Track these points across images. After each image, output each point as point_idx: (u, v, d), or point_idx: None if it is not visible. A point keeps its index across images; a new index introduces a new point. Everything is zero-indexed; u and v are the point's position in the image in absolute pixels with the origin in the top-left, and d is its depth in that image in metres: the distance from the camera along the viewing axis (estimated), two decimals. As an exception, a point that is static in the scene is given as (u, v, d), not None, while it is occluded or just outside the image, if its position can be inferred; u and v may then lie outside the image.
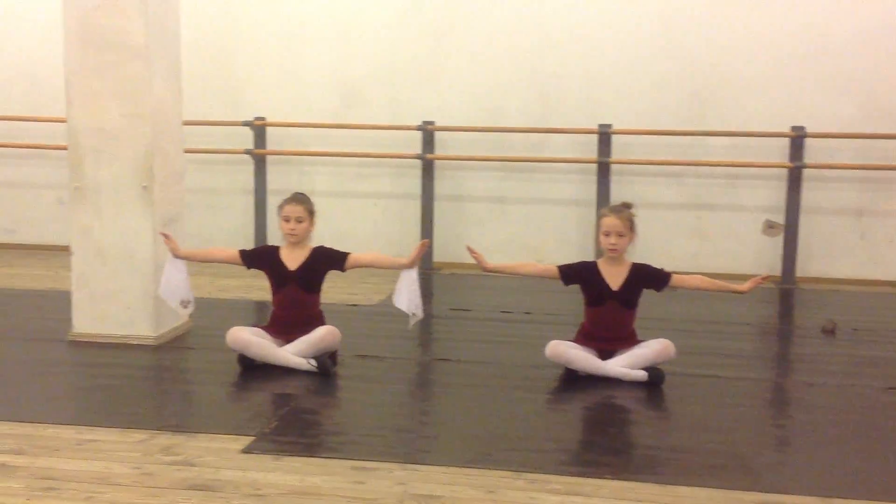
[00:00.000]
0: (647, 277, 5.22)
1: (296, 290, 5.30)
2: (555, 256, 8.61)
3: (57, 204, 9.18)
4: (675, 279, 5.22)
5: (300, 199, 5.39)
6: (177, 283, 5.36)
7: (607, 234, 5.13)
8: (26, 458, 3.84)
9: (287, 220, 5.32)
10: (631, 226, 5.14)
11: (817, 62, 8.31)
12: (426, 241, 5.47)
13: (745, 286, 5.19)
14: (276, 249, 5.42)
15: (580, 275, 5.25)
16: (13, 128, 9.22)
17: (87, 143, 5.66)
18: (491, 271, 5.25)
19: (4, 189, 9.46)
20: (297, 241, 5.33)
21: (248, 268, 5.46)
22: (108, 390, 4.87)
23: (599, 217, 5.27)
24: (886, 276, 8.36)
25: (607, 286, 5.14)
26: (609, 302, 5.14)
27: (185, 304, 5.40)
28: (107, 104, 5.62)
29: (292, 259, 5.33)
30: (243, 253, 5.45)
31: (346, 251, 5.41)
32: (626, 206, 5.23)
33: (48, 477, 3.65)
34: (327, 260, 5.36)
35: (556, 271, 5.25)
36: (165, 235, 5.36)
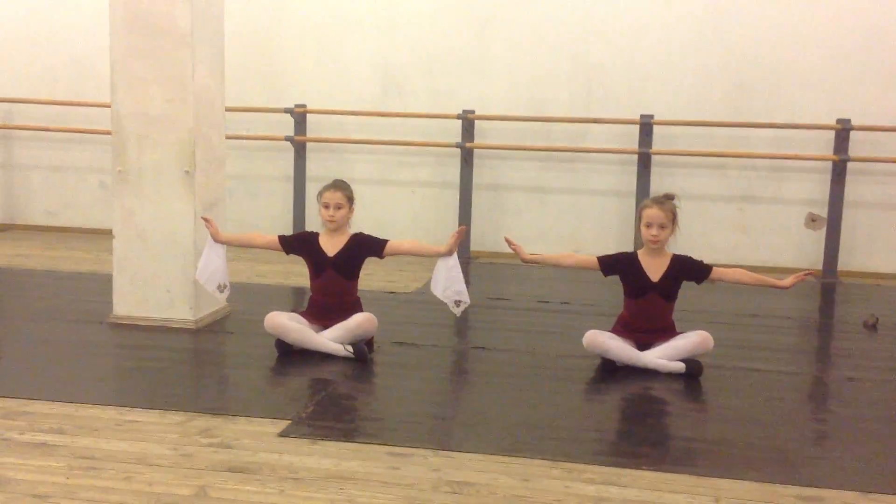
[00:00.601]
0: (688, 269, 5.18)
1: (334, 276, 5.32)
2: (594, 247, 8.59)
3: (100, 188, 9.30)
4: (715, 272, 5.17)
5: (339, 185, 5.41)
6: (215, 267, 5.40)
7: (649, 226, 5.08)
8: (67, 438, 3.89)
9: (326, 206, 5.34)
10: (673, 217, 5.09)
11: (864, 54, 8.19)
12: (464, 227, 5.47)
13: (786, 282, 5.13)
14: (315, 235, 5.44)
15: (620, 266, 5.22)
16: (59, 112, 9.34)
17: (131, 127, 5.71)
18: (529, 262, 5.24)
19: (49, 172, 9.59)
20: (336, 227, 5.35)
21: (288, 253, 5.48)
22: (148, 372, 4.92)
23: (641, 208, 5.22)
24: (931, 271, 8.25)
25: (647, 278, 5.11)
26: (649, 294, 5.10)
27: (221, 288, 5.43)
28: (151, 90, 5.66)
29: (331, 245, 5.35)
30: (283, 239, 5.47)
31: (385, 238, 5.41)
32: (669, 197, 5.18)
33: (88, 456, 3.70)
34: (366, 246, 5.38)
35: (595, 262, 5.22)
36: (206, 220, 5.40)
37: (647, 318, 5.12)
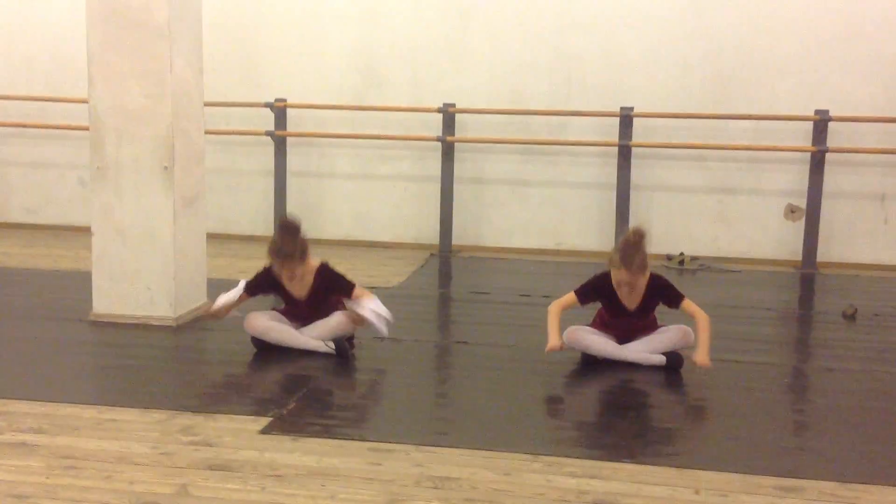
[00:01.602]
0: (663, 295, 5.06)
1: (308, 310, 5.22)
2: (575, 240, 8.63)
3: (78, 184, 9.24)
4: (684, 305, 4.99)
5: (286, 254, 4.99)
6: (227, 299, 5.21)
7: (618, 286, 4.92)
8: (46, 437, 3.87)
9: (287, 275, 5.07)
10: (644, 267, 4.86)
11: (842, 45, 8.23)
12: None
13: (699, 358, 4.84)
14: (276, 280, 5.16)
15: (596, 293, 5.07)
16: (35, 108, 9.27)
17: (109, 122, 5.68)
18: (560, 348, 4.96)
19: (26, 169, 9.52)
20: (301, 286, 5.16)
21: (253, 296, 5.28)
22: (128, 370, 4.89)
23: (610, 264, 4.93)
24: (909, 261, 8.30)
25: (624, 308, 5.02)
26: (625, 317, 5.08)
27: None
28: (128, 84, 5.62)
29: (298, 287, 5.16)
30: (247, 287, 5.24)
31: (351, 282, 5.20)
32: (638, 236, 4.84)
33: (68, 456, 3.68)
34: (335, 288, 5.19)
35: (573, 300, 5.04)
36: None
37: (625, 330, 5.10)
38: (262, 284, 5.28)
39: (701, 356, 4.83)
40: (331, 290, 5.21)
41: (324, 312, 5.21)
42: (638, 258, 4.81)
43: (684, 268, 7.99)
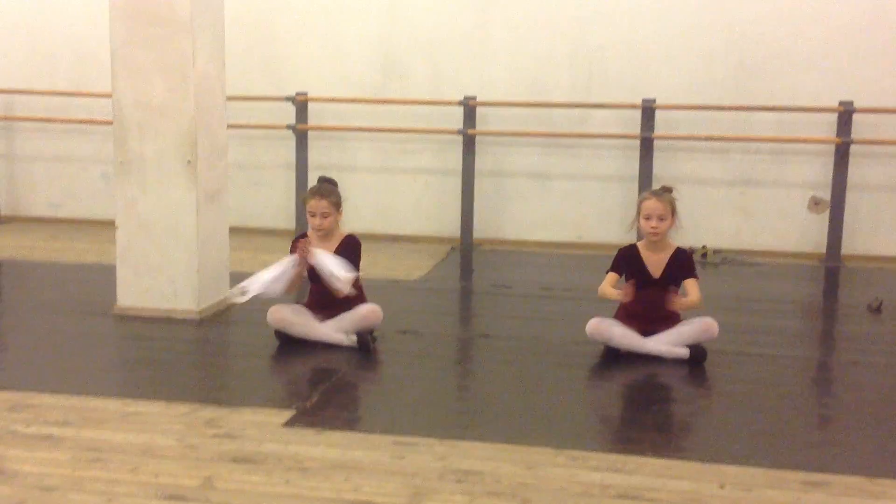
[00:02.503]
0: (683, 265, 5.13)
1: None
2: (597, 233, 8.60)
3: (102, 178, 9.29)
4: (690, 281, 5.08)
5: (324, 192, 5.19)
6: (269, 279, 5.08)
7: (648, 218, 5.05)
8: (72, 430, 3.89)
9: (312, 215, 5.20)
10: (672, 209, 5.07)
11: (866, 36, 8.15)
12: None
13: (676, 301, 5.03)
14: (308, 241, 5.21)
15: (624, 263, 5.17)
16: (59, 103, 9.32)
17: (132, 117, 5.70)
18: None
19: (50, 164, 9.58)
20: (324, 234, 5.25)
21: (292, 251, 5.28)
22: (153, 363, 4.92)
23: (640, 201, 5.20)
24: (935, 253, 8.23)
25: (649, 274, 5.08)
26: (650, 288, 5.08)
27: (243, 291, 5.11)
28: (152, 79, 5.64)
29: (324, 248, 5.19)
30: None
31: (357, 270, 5.19)
32: (667, 189, 5.16)
33: (93, 448, 3.70)
34: (353, 256, 5.22)
35: (612, 276, 5.14)
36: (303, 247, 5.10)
37: (650, 307, 5.10)
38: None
39: (677, 302, 4.99)
40: (352, 258, 5.18)
41: (348, 303, 5.21)
42: (664, 192, 5.11)
43: (707, 261, 7.95)
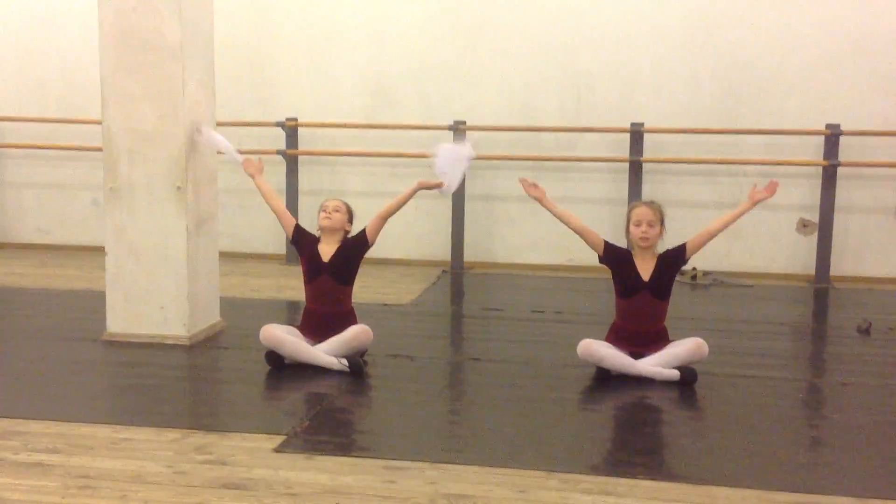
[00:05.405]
0: (670, 258, 5.24)
1: (328, 281, 5.34)
2: (587, 256, 8.55)
3: (92, 204, 9.28)
4: (690, 245, 5.24)
5: (340, 200, 5.62)
6: (224, 143, 5.80)
7: (638, 224, 5.13)
8: (61, 457, 3.88)
9: (325, 210, 5.45)
10: (661, 218, 5.17)
11: (853, 60, 8.23)
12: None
13: (753, 199, 5.37)
14: (316, 240, 5.49)
15: (618, 257, 5.25)
16: (49, 129, 9.33)
17: (122, 143, 5.71)
18: (539, 200, 5.45)
19: (40, 190, 9.57)
20: (330, 226, 5.40)
21: (292, 242, 5.57)
22: (142, 390, 4.91)
23: (630, 209, 5.30)
24: (923, 275, 8.27)
25: (639, 276, 5.14)
26: (641, 292, 5.12)
27: (199, 130, 5.74)
28: (141, 105, 5.66)
29: (327, 250, 5.41)
30: (297, 227, 5.54)
31: (359, 259, 5.51)
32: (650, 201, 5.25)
33: (83, 475, 3.69)
34: (355, 244, 5.45)
35: (601, 242, 5.26)
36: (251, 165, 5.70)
37: (639, 317, 5.12)
38: (306, 236, 5.51)
39: (746, 204, 5.36)
40: (354, 248, 5.44)
41: (339, 324, 5.27)
42: (653, 202, 5.30)
43: (697, 283, 7.97)
